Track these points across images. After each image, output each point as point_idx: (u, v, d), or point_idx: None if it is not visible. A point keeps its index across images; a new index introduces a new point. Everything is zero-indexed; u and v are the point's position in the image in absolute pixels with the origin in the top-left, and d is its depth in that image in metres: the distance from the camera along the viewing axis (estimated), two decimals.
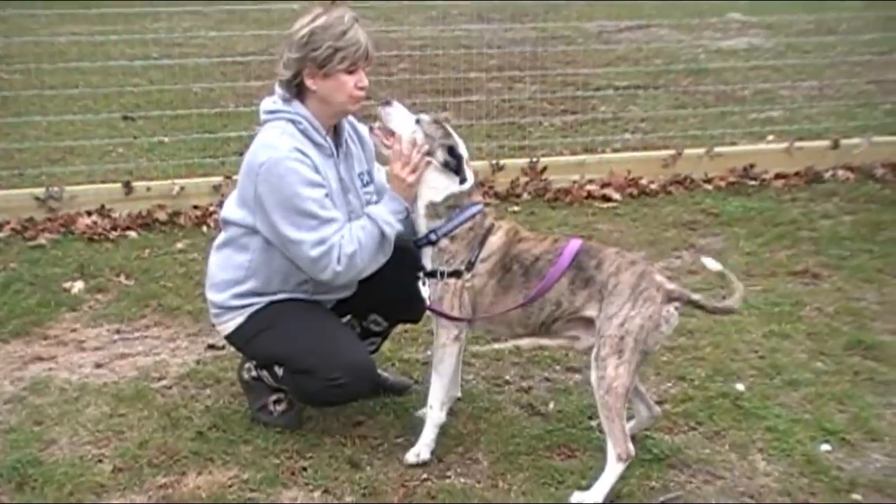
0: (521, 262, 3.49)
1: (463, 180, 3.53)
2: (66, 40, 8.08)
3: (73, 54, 8.04)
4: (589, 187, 6.66)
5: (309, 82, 3.50)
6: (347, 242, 3.46)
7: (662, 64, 10.12)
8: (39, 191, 6.03)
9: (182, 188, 6.20)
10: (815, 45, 10.01)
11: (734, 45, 11.15)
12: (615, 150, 7.32)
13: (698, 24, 11.88)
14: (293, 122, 3.52)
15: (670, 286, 3.36)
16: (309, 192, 3.43)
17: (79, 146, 7.15)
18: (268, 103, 3.61)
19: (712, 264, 3.78)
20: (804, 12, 10.44)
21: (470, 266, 3.51)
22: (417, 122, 3.58)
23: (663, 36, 11.62)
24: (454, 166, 3.52)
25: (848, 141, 7.22)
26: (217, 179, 6.30)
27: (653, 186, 6.75)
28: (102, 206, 6.03)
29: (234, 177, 6.10)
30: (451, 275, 3.52)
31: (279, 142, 3.46)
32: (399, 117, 3.59)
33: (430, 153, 3.53)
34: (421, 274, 3.58)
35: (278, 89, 3.59)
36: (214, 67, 8.91)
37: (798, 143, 7.13)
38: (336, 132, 3.66)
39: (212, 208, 6.13)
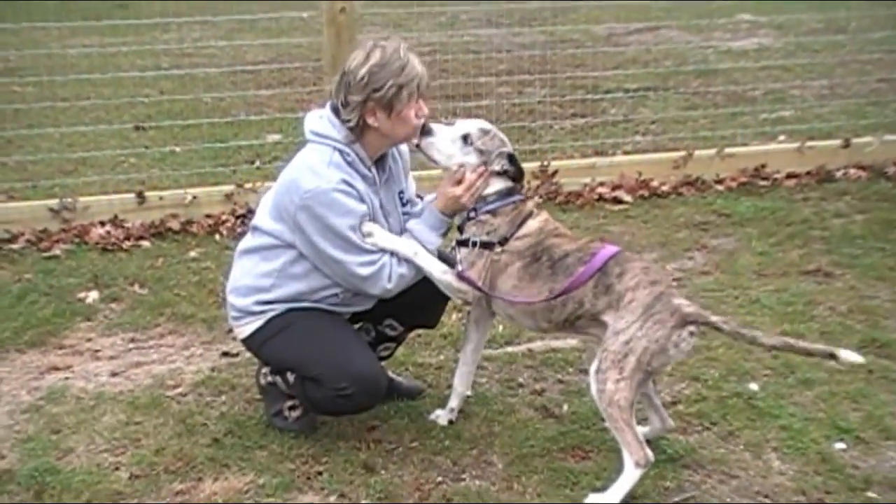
0: (551, 255, 3.52)
1: (519, 180, 3.67)
2: (78, 52, 8.12)
3: (85, 66, 8.08)
4: (600, 190, 6.65)
5: (370, 120, 3.48)
6: (398, 264, 3.54)
7: (672, 65, 10.12)
8: (53, 202, 6.06)
9: (194, 197, 6.22)
10: (824, 44, 9.98)
11: (744, 45, 11.11)
12: (626, 153, 7.31)
13: (707, 24, 11.86)
14: (341, 152, 3.51)
15: (688, 309, 3.31)
16: (354, 222, 3.47)
17: (91, 157, 7.18)
18: (316, 123, 3.57)
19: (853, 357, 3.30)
20: (813, 12, 10.42)
21: (504, 241, 3.56)
22: (467, 141, 3.62)
23: (673, 37, 11.59)
24: (514, 174, 3.65)
25: (859, 140, 7.19)
26: (229, 188, 6.33)
27: (664, 188, 6.74)
28: (115, 216, 6.06)
29: (247, 185, 6.26)
30: (483, 245, 3.56)
31: (327, 171, 3.45)
32: (443, 145, 3.61)
33: (485, 163, 3.61)
34: (454, 242, 3.63)
35: (331, 113, 3.55)
36: (224, 77, 8.95)
37: (809, 143, 7.10)
38: (381, 156, 3.66)
39: (224, 217, 6.16)
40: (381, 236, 3.54)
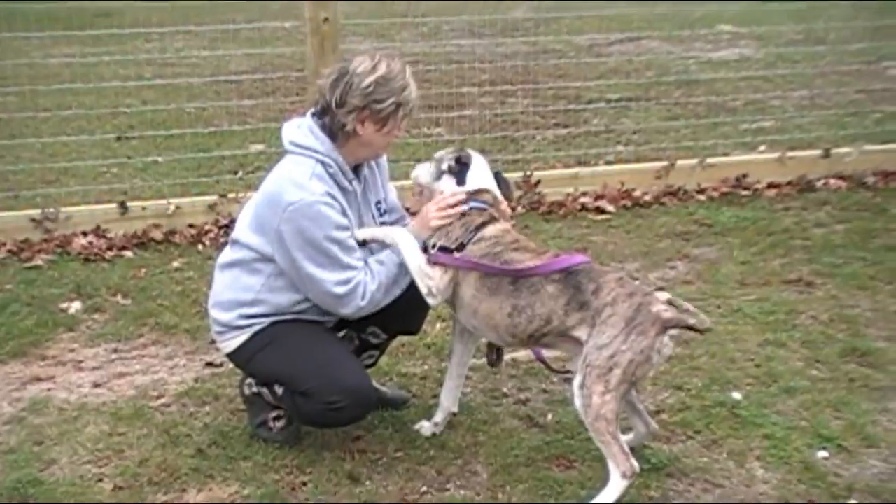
0: None
1: (460, 183, 3.68)
2: (59, 62, 8.09)
3: (67, 76, 8.04)
4: (583, 200, 6.68)
5: (359, 127, 3.49)
6: (371, 280, 3.53)
7: (654, 76, 10.16)
8: (35, 212, 6.04)
9: (177, 207, 6.21)
10: (804, 54, 10.05)
11: (724, 56, 11.19)
12: (608, 163, 7.34)
13: (688, 35, 11.92)
14: (324, 164, 3.50)
15: (667, 315, 3.30)
16: (337, 235, 3.46)
17: (73, 167, 7.16)
18: (296, 133, 3.56)
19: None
20: (793, 23, 10.49)
21: (461, 247, 3.56)
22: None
23: (654, 48, 11.65)
24: (456, 171, 3.69)
25: (839, 150, 7.24)
26: (212, 198, 6.32)
27: (646, 198, 6.77)
28: (98, 227, 6.04)
29: (230, 195, 6.25)
30: (440, 249, 3.57)
31: (310, 183, 3.44)
32: (423, 171, 3.86)
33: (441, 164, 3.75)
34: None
35: (312, 122, 3.55)
36: (207, 87, 8.93)
37: (790, 153, 7.15)
38: (356, 165, 3.67)
39: (207, 226, 6.15)
40: (362, 233, 3.63)
